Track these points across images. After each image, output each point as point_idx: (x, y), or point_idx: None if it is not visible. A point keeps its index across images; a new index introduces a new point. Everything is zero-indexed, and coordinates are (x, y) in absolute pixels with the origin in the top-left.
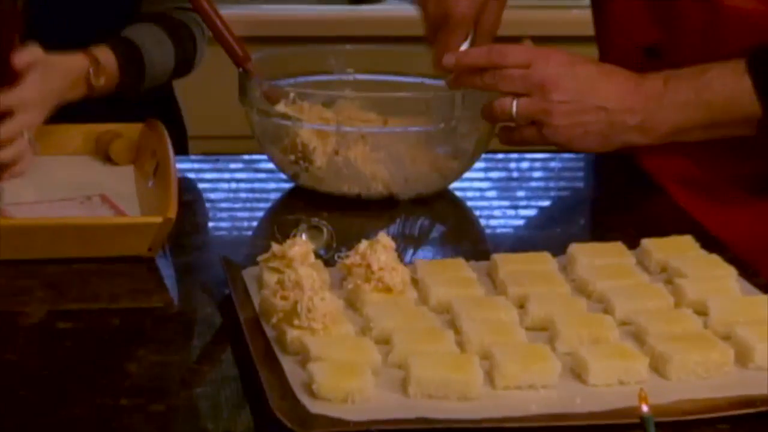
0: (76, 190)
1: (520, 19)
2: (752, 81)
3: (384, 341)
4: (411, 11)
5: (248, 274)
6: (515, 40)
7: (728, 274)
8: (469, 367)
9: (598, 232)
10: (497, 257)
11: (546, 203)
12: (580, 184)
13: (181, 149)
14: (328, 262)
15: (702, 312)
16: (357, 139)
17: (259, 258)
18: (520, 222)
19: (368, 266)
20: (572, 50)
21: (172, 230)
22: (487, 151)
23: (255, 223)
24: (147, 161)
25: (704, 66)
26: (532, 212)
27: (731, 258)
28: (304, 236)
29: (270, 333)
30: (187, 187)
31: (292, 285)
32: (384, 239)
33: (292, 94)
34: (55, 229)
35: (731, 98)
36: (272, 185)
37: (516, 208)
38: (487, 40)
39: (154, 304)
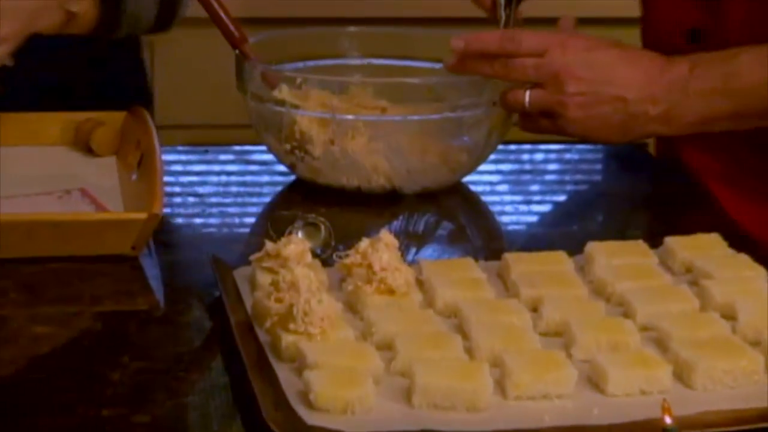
0: (53, 184)
1: None
2: None
3: (386, 347)
4: None
5: (240, 274)
6: (554, 22)
7: (758, 274)
8: (479, 376)
9: (618, 230)
10: (509, 257)
11: (561, 198)
12: (599, 177)
13: None
14: (326, 262)
15: (730, 316)
16: (354, 128)
17: (252, 257)
18: (534, 218)
19: (369, 266)
20: (615, 33)
21: (158, 227)
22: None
23: (247, 220)
24: (131, 152)
25: (735, 50)
26: (546, 208)
27: (762, 257)
28: (300, 234)
29: (263, 338)
30: (173, 180)
31: (287, 286)
32: (386, 237)
33: (299, 79)
34: (31, 226)
35: (761, 87)
36: (266, 178)
37: (529, 203)
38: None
39: (139, 306)
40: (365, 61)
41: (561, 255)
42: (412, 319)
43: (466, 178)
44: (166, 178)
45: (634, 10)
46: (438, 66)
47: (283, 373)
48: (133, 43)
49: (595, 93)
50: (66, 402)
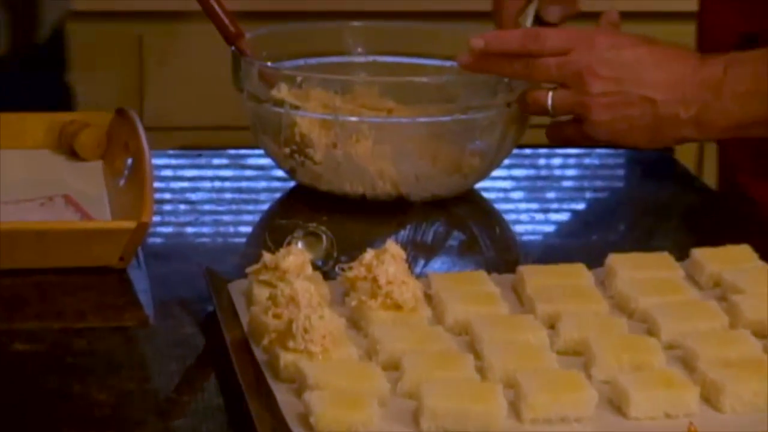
0: (35, 190)
1: None
2: None
3: (392, 367)
4: None
5: (235, 288)
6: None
7: None
8: (492, 397)
9: (641, 241)
10: (524, 269)
11: (580, 206)
12: (620, 184)
13: None
14: (328, 275)
15: (761, 333)
16: (358, 131)
17: (248, 269)
18: (551, 228)
19: (374, 280)
20: (667, 30)
21: (147, 237)
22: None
23: (243, 229)
24: (118, 156)
25: None
26: (564, 216)
27: None
28: (300, 244)
29: (260, 357)
30: (164, 186)
31: (286, 301)
32: (393, 248)
33: (299, 78)
34: (10, 235)
35: None
36: (263, 184)
37: (546, 211)
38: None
39: (126, 322)
40: (370, 58)
41: (580, 268)
42: (420, 337)
43: (479, 185)
44: (156, 184)
45: (687, 4)
46: (449, 64)
47: (282, 394)
48: (54, 62)
49: (621, 93)
50: (49, 424)
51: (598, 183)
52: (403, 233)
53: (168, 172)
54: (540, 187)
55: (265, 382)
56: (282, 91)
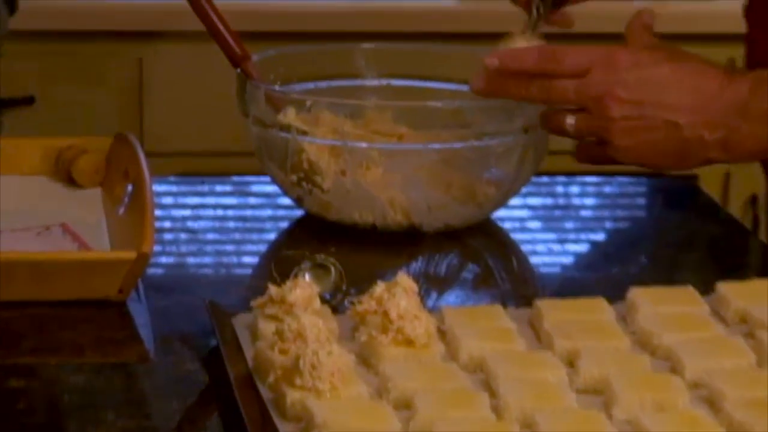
0: (31, 219)
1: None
2: None
3: (404, 405)
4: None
5: (239, 322)
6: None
7: None
8: None
9: (664, 274)
10: (541, 304)
11: (600, 237)
12: (642, 214)
13: None
14: (337, 309)
15: None
16: (369, 158)
17: (253, 303)
18: (569, 260)
19: (385, 314)
20: (711, 51)
21: (148, 268)
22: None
23: (247, 260)
24: (118, 183)
25: None
26: (583, 248)
27: None
28: (307, 276)
29: (266, 394)
30: (165, 214)
31: (293, 336)
32: (404, 281)
33: (308, 102)
34: (6, 266)
35: None
36: (268, 213)
37: (564, 242)
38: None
39: (126, 357)
40: (382, 81)
41: (600, 302)
42: (433, 374)
43: (494, 215)
44: (157, 213)
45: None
46: (464, 88)
47: None
48: None
49: (643, 118)
50: None
51: (619, 212)
52: (415, 265)
53: (169, 200)
54: (558, 216)
55: (271, 421)
56: (289, 116)
